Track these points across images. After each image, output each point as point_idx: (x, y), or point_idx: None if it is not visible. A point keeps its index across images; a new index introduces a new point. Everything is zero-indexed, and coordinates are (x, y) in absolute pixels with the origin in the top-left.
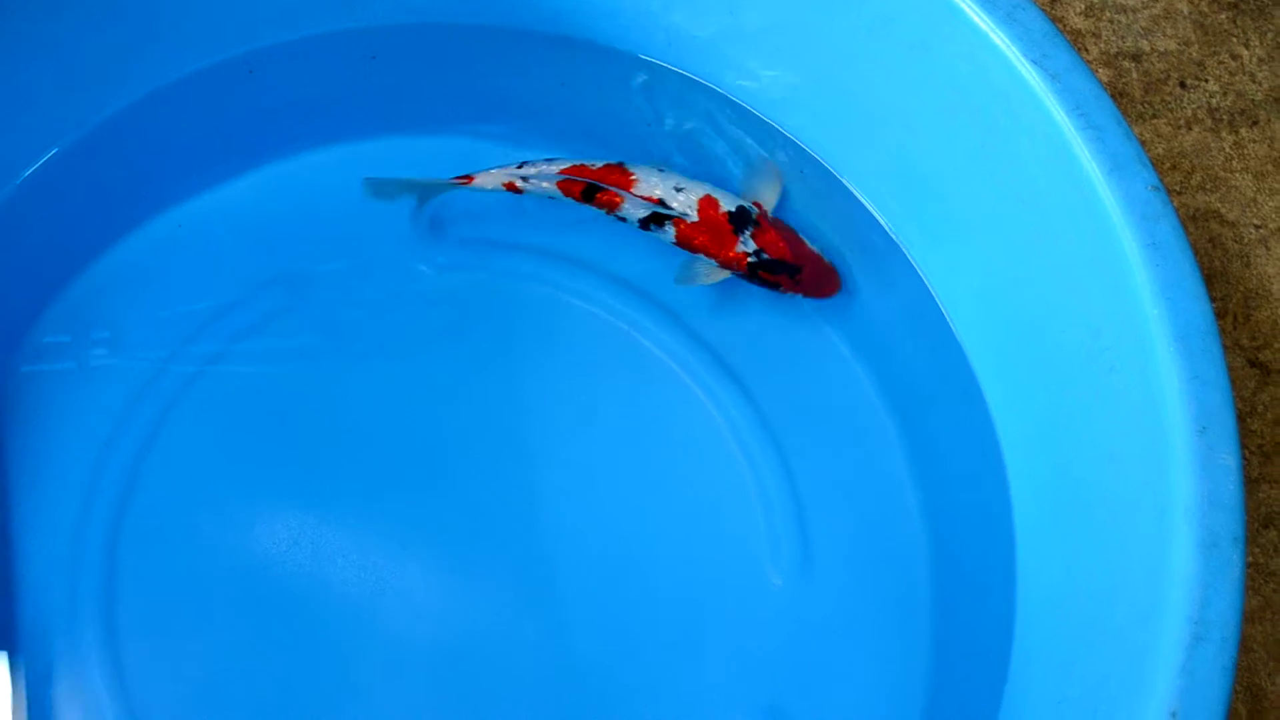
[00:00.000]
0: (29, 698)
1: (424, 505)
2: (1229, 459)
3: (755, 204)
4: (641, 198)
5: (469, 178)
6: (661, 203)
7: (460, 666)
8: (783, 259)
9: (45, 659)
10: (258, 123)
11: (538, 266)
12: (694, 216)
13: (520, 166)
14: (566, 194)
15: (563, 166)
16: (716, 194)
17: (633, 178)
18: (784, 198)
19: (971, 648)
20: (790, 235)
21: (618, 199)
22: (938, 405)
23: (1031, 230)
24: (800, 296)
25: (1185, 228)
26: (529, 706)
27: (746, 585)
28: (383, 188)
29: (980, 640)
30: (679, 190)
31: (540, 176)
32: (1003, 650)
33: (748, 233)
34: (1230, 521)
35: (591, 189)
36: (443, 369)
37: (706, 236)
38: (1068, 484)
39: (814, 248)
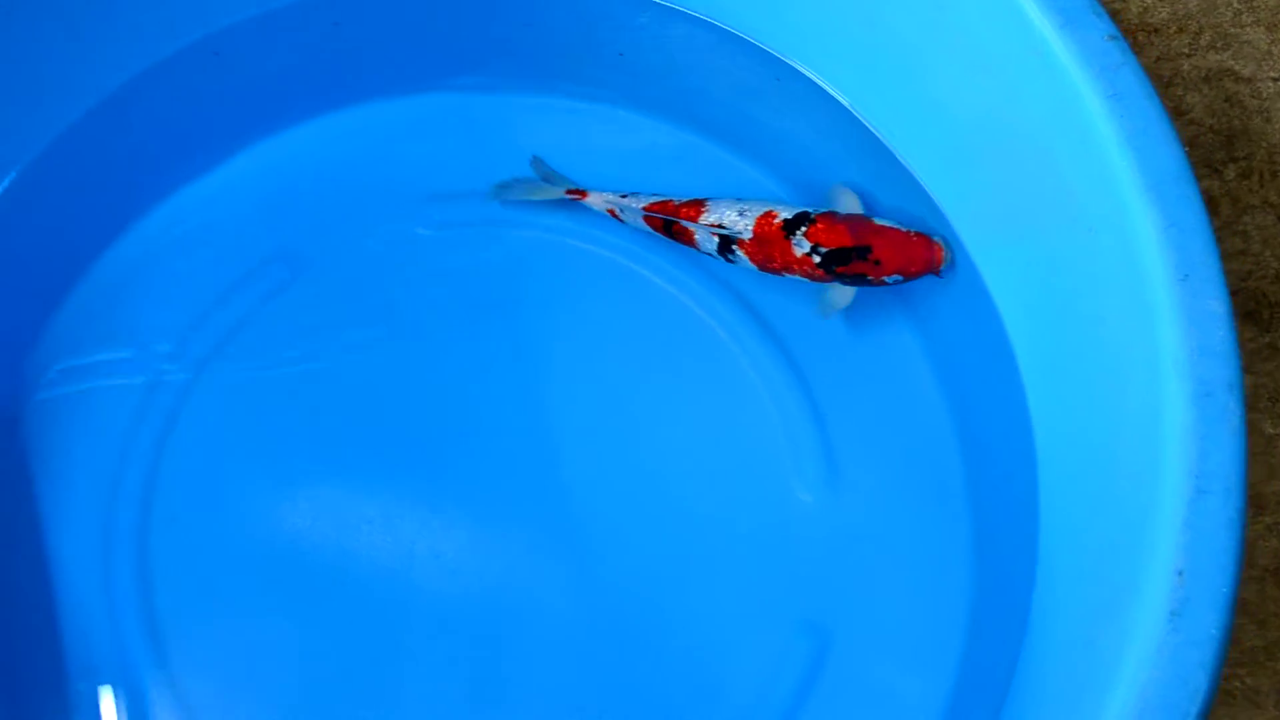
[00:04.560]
0: (76, 698)
1: (446, 464)
2: (1216, 304)
3: (833, 208)
4: (705, 225)
5: (583, 193)
6: (720, 226)
7: (499, 618)
8: (842, 245)
9: (88, 659)
10: (232, 105)
11: (530, 213)
12: (748, 235)
13: (623, 196)
14: (652, 228)
15: (649, 202)
16: (781, 208)
17: (704, 209)
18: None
19: (1007, 541)
20: (852, 221)
21: (689, 231)
22: (941, 295)
23: (996, 98)
24: (902, 283)
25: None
26: (571, 646)
27: (775, 506)
28: (508, 188)
29: (1013, 532)
30: (742, 214)
31: (633, 211)
32: (1032, 538)
33: (800, 233)
34: (1223, 368)
35: (669, 223)
36: (451, 326)
37: (767, 250)
38: (1068, 357)
39: (887, 223)
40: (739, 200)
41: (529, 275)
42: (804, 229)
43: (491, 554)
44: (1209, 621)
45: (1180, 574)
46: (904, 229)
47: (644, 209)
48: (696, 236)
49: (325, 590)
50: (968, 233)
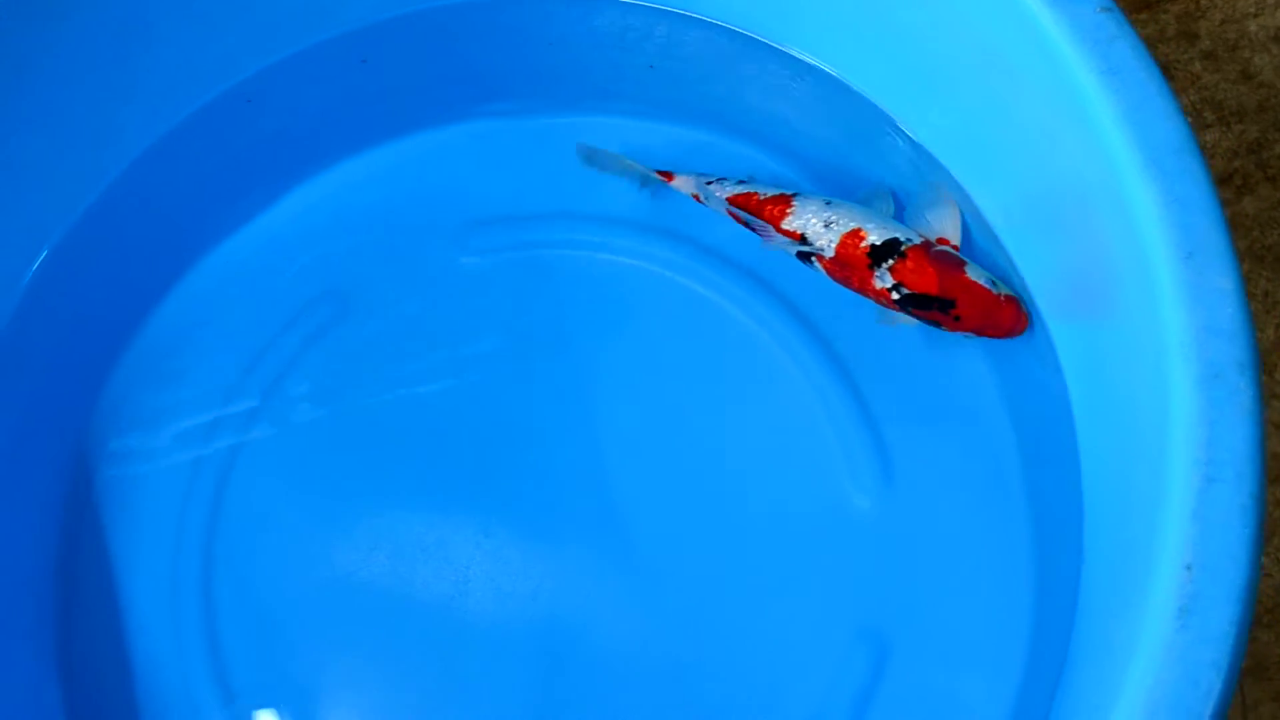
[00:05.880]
0: None
1: (498, 489)
2: (1224, 281)
3: (939, 240)
4: (784, 233)
5: (670, 176)
6: (803, 238)
7: (556, 638)
8: (927, 293)
9: (160, 706)
10: (268, 151)
11: (568, 231)
12: (830, 253)
13: (709, 183)
14: (733, 218)
15: (734, 193)
16: (870, 226)
17: (789, 211)
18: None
19: (1064, 540)
20: (944, 267)
21: (767, 234)
22: None
23: (1002, 82)
24: (975, 337)
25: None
26: (630, 662)
27: (831, 513)
28: (594, 157)
29: (1068, 530)
30: (828, 225)
31: (716, 200)
32: (1079, 536)
33: (885, 266)
34: (1233, 348)
35: (749, 222)
36: (498, 350)
37: (847, 273)
38: (1096, 345)
39: (978, 278)
40: (827, 205)
41: (573, 294)
42: (891, 262)
43: (545, 575)
44: (1221, 617)
45: (1189, 568)
46: (994, 289)
47: (728, 200)
48: (778, 239)
49: (385, 621)
50: (999, 223)
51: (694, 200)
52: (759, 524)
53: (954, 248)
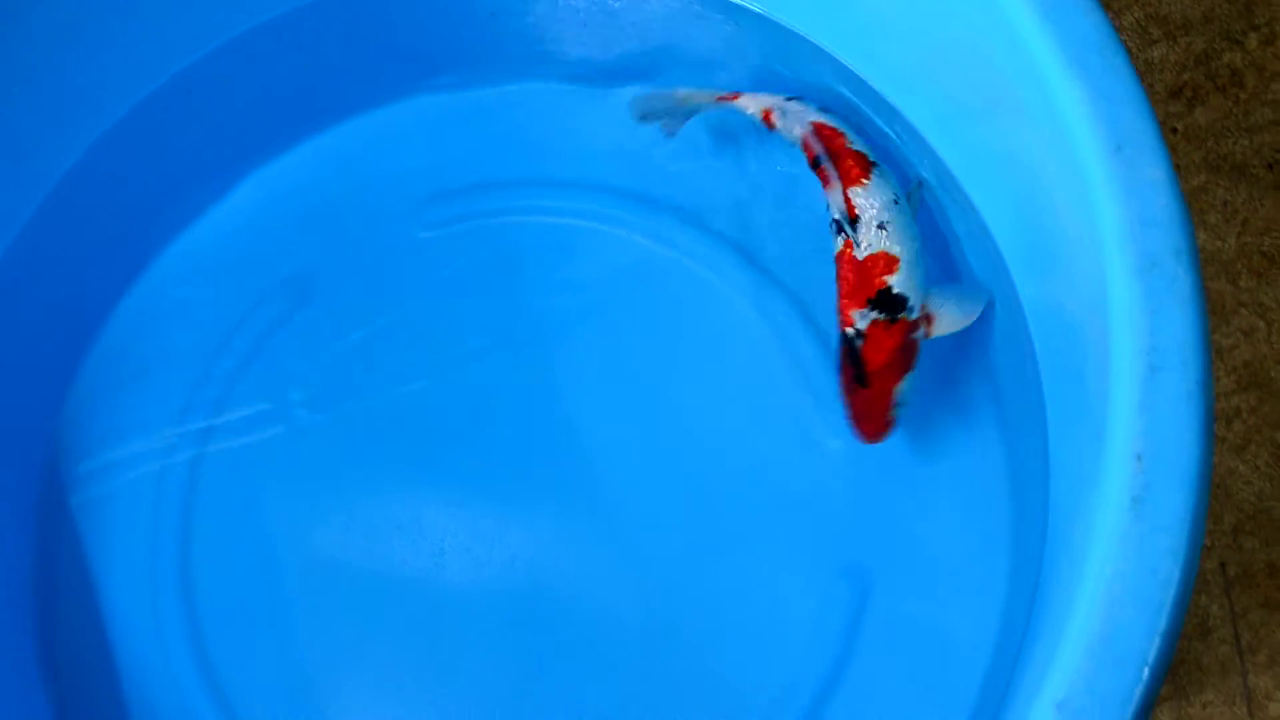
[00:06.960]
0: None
1: (467, 458)
2: (1155, 172)
3: (928, 317)
4: (847, 200)
5: (735, 95)
6: (856, 221)
7: (536, 604)
8: (865, 359)
9: (149, 698)
10: (213, 141)
11: (522, 198)
12: (863, 255)
13: (788, 100)
14: (805, 150)
15: (820, 121)
16: (904, 263)
17: (865, 182)
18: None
19: (1034, 459)
20: (896, 362)
21: (829, 183)
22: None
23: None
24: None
25: None
26: (612, 622)
27: (803, 458)
28: (650, 107)
29: (1033, 445)
30: (882, 226)
31: (796, 118)
32: (1045, 449)
33: (875, 314)
34: (1168, 236)
35: (818, 161)
36: (458, 322)
37: (850, 283)
38: (1041, 253)
39: (896, 395)
40: (895, 203)
41: (532, 260)
42: (882, 316)
43: (522, 542)
44: (1175, 504)
45: (1139, 458)
46: (892, 411)
47: (813, 125)
48: (831, 192)
49: (366, 603)
50: (933, 134)
51: (763, 121)
52: (731, 473)
53: (928, 333)
